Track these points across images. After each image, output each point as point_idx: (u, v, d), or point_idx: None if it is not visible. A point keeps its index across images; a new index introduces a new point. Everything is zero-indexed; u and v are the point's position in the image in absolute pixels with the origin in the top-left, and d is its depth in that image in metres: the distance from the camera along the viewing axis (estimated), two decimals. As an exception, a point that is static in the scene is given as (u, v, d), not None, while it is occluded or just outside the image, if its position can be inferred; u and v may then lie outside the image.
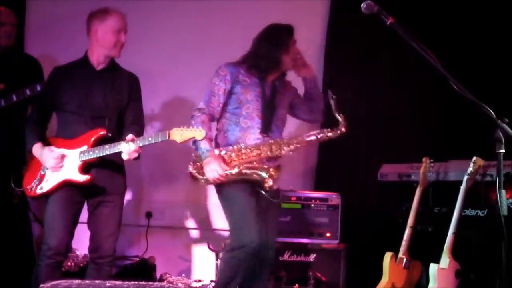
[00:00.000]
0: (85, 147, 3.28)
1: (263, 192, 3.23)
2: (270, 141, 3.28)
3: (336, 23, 4.52)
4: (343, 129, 3.29)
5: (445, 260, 3.35)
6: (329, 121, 3.43)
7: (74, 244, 3.99)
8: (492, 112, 2.19)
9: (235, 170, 3.22)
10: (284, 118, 3.48)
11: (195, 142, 3.28)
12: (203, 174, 3.30)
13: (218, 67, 3.42)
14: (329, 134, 3.31)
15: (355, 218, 4.25)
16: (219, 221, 4.73)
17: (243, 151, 3.25)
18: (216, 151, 3.30)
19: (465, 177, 3.40)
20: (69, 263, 4.14)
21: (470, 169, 3.39)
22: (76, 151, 3.29)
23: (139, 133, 3.34)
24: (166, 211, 4.78)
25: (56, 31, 4.60)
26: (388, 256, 3.56)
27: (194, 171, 3.37)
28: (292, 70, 3.45)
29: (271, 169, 3.19)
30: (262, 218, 3.26)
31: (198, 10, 4.78)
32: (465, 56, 4.02)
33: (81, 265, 4.13)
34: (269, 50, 3.32)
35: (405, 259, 3.53)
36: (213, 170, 3.22)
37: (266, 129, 3.32)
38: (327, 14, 4.66)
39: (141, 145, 3.21)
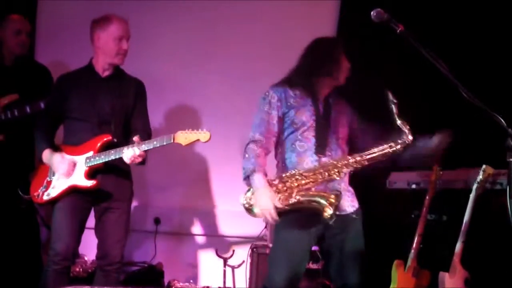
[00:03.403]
0: (91, 153, 3.30)
1: (330, 223, 2.86)
2: (327, 163, 2.97)
3: (346, 24, 4.51)
4: (410, 139, 2.90)
5: (454, 268, 3.33)
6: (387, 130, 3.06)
7: (82, 249, 4.00)
8: (502, 120, 2.18)
9: (291, 200, 2.92)
10: (345, 136, 3.14)
11: (247, 177, 2.97)
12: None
13: (265, 93, 3.12)
14: (394, 148, 2.92)
15: (363, 225, 4.22)
16: (227, 227, 4.74)
17: (297, 177, 2.94)
18: (276, 181, 3.00)
19: (475, 185, 3.38)
20: (77, 269, 4.15)
21: (480, 177, 3.37)
22: (82, 157, 3.31)
23: (148, 139, 3.34)
24: (174, 217, 4.78)
25: (67, 37, 4.62)
26: (396, 264, 3.54)
27: (247, 204, 3.01)
28: None
29: (331, 196, 2.86)
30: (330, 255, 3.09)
31: (205, 13, 4.78)
32: (476, 64, 4.00)
33: (90, 270, 4.13)
34: (317, 66, 3.08)
35: (414, 268, 3.51)
36: (265, 207, 2.90)
37: (321, 149, 3.02)
38: (337, 15, 4.65)
39: (146, 149, 3.23)
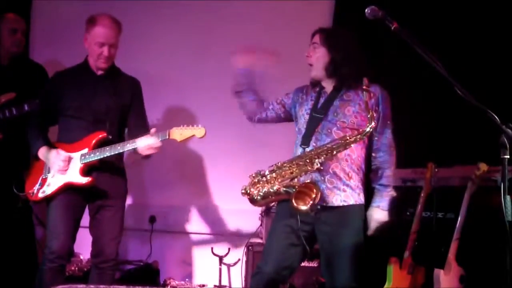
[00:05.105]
0: (86, 150, 3.30)
1: (310, 214, 2.86)
2: (304, 154, 2.98)
3: (341, 24, 4.51)
4: (372, 125, 2.88)
5: (449, 265, 3.34)
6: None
7: (78, 248, 3.99)
8: (497, 117, 2.19)
9: (272, 189, 2.96)
10: (350, 125, 3.01)
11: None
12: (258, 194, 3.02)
13: None
14: (355, 137, 2.90)
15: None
16: (223, 225, 4.74)
17: (282, 168, 2.98)
18: (267, 172, 3.03)
19: (470, 182, 3.39)
20: (72, 268, 4.15)
21: (475, 174, 3.38)
22: (77, 154, 3.32)
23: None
24: (170, 215, 4.77)
25: (62, 36, 4.62)
26: (392, 261, 3.55)
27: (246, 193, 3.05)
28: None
29: (304, 184, 2.88)
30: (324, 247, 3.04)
31: (202, 13, 4.78)
32: (470, 61, 4.01)
33: (85, 269, 4.13)
34: None
35: (409, 264, 3.52)
36: None
37: (306, 140, 3.04)
38: (331, 15, 4.66)
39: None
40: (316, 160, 2.91)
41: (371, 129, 2.89)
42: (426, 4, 4.30)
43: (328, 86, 3.14)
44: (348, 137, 2.91)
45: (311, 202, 2.81)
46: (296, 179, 2.95)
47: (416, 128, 4.35)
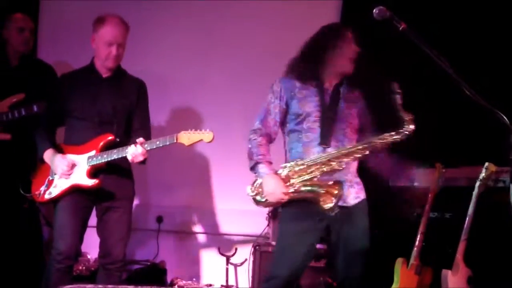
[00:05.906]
0: (93, 152, 3.30)
1: (331, 214, 2.86)
2: (330, 153, 2.95)
3: (348, 24, 4.51)
4: (410, 128, 2.88)
5: (457, 266, 3.33)
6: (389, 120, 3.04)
7: (85, 248, 4.01)
8: (505, 117, 2.18)
9: (291, 189, 2.94)
10: (356, 126, 3.10)
11: (253, 167, 3.04)
12: (262, 195, 3.01)
13: (272, 83, 3.14)
14: (394, 137, 2.92)
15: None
16: (230, 225, 4.74)
17: (299, 167, 2.95)
18: (280, 170, 3.02)
19: (477, 183, 3.38)
20: (80, 267, 4.16)
21: (482, 175, 3.36)
22: (85, 156, 3.32)
23: (146, 138, 3.33)
24: (177, 215, 4.78)
25: (69, 36, 4.63)
26: (399, 261, 3.54)
27: (253, 194, 3.03)
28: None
29: (333, 186, 2.87)
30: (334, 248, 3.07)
31: (208, 14, 4.79)
32: (478, 61, 3.99)
33: (92, 269, 4.14)
34: (319, 54, 3.06)
35: (416, 265, 3.51)
36: (273, 192, 2.94)
37: (326, 139, 2.99)
38: (338, 15, 4.65)
39: (149, 148, 3.22)
40: (345, 159, 2.93)
41: (411, 132, 2.90)
42: (430, 3, 4.29)
43: (330, 83, 3.11)
44: (387, 136, 2.92)
45: (334, 200, 2.82)
46: (316, 178, 2.94)
47: (424, 128, 4.34)
